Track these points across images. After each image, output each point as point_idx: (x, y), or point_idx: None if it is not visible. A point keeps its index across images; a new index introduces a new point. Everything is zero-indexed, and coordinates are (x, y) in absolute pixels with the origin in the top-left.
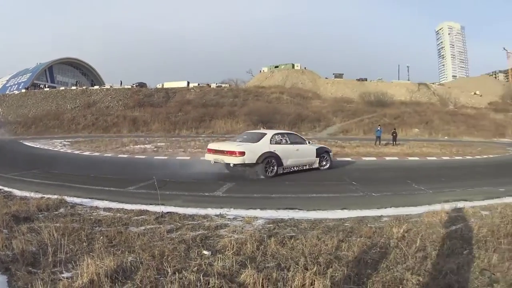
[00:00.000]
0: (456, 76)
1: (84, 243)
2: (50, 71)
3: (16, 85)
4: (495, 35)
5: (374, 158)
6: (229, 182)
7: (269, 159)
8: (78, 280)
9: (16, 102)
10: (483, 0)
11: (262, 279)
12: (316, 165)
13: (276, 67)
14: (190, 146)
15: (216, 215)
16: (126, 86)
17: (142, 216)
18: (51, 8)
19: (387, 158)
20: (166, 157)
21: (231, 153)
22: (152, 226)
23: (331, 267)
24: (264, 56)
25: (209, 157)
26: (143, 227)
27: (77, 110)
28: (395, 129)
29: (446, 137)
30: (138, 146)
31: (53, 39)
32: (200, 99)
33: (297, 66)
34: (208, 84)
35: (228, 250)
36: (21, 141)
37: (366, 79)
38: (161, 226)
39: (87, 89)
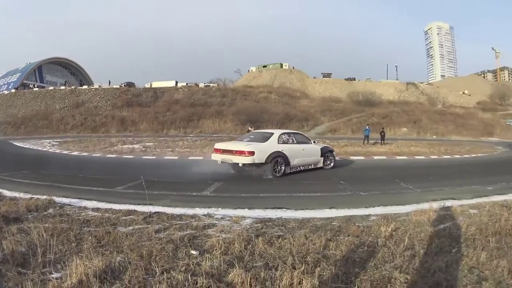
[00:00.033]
0: (444, 76)
1: (73, 244)
2: (39, 71)
3: (6, 85)
4: (484, 35)
5: (362, 157)
6: (217, 182)
7: (278, 158)
8: (67, 280)
9: (6, 102)
10: (472, 0)
11: (250, 279)
12: (321, 165)
13: (265, 66)
14: (178, 146)
15: (204, 215)
16: (114, 86)
17: (130, 216)
18: (39, 7)
19: (375, 157)
20: (154, 157)
21: (241, 152)
22: (140, 226)
23: (319, 266)
24: (252, 55)
25: (216, 157)
26: (131, 227)
27: (66, 110)
28: (383, 128)
29: (434, 136)
30: (126, 146)
31: (43, 38)
32: (188, 99)
33: (286, 65)
34: (196, 84)
35: (216, 249)
36: (10, 141)
37: (354, 79)
38: (149, 226)
39: (76, 89)
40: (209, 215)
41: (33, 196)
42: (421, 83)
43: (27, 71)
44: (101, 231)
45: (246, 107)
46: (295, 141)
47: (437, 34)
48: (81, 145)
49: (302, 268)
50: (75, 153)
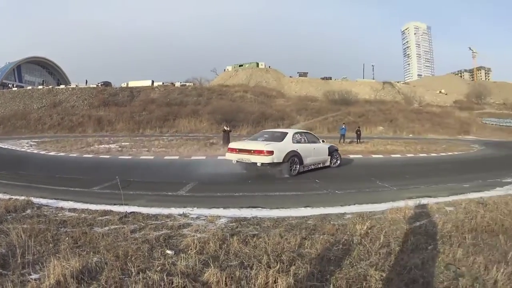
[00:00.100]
0: (421, 75)
1: (51, 244)
2: (18, 70)
3: None
4: (461, 35)
5: None
6: (192, 182)
7: (294, 158)
8: (45, 281)
9: None
10: (449, 0)
11: (226, 278)
12: (328, 163)
13: (241, 65)
14: (154, 146)
15: (179, 215)
16: (91, 85)
17: (106, 217)
18: (17, 6)
19: (351, 156)
20: (130, 157)
21: (259, 152)
22: (116, 226)
23: (294, 264)
24: (228, 54)
25: (231, 156)
26: (107, 228)
27: (43, 110)
28: (359, 127)
29: (411, 135)
30: (103, 146)
31: (20, 37)
32: (164, 98)
33: (262, 64)
34: (172, 83)
35: (191, 249)
36: None
37: (330, 78)
38: (125, 226)
39: (53, 88)
40: (184, 215)
41: (11, 196)
42: (398, 82)
43: (6, 71)
44: (78, 232)
45: (221, 106)
46: (307, 141)
47: (414, 34)
48: (58, 145)
49: (277, 267)
50: (52, 153)
